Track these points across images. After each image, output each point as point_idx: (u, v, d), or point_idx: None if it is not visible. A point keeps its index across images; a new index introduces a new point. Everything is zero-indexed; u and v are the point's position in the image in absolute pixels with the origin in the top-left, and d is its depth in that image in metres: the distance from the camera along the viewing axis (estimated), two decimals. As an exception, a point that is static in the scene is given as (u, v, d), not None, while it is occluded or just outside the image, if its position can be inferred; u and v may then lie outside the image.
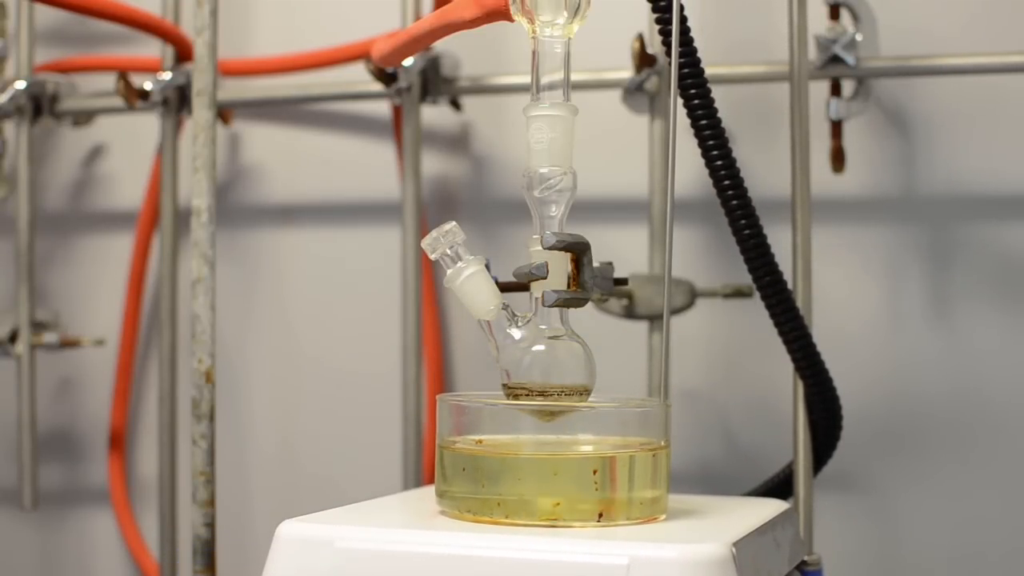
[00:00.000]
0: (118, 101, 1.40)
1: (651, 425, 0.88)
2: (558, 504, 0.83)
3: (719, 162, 0.95)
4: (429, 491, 0.96)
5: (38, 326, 1.44)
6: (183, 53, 1.39)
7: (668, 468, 0.88)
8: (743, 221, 0.97)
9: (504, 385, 0.89)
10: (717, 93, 0.96)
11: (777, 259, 1.00)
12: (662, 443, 0.87)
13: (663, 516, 0.87)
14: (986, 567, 1.24)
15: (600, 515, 0.83)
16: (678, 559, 0.75)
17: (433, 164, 1.38)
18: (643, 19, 1.22)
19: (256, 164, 1.46)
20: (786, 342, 1.02)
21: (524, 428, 0.87)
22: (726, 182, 0.96)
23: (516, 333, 0.89)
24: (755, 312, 1.04)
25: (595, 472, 0.83)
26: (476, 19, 0.95)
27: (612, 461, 0.84)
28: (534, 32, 0.90)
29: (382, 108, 1.41)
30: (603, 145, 1.31)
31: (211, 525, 1.15)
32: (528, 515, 0.83)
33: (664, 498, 0.87)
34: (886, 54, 1.20)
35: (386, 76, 1.28)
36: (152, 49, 1.43)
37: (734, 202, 0.96)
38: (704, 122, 0.94)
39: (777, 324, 1.01)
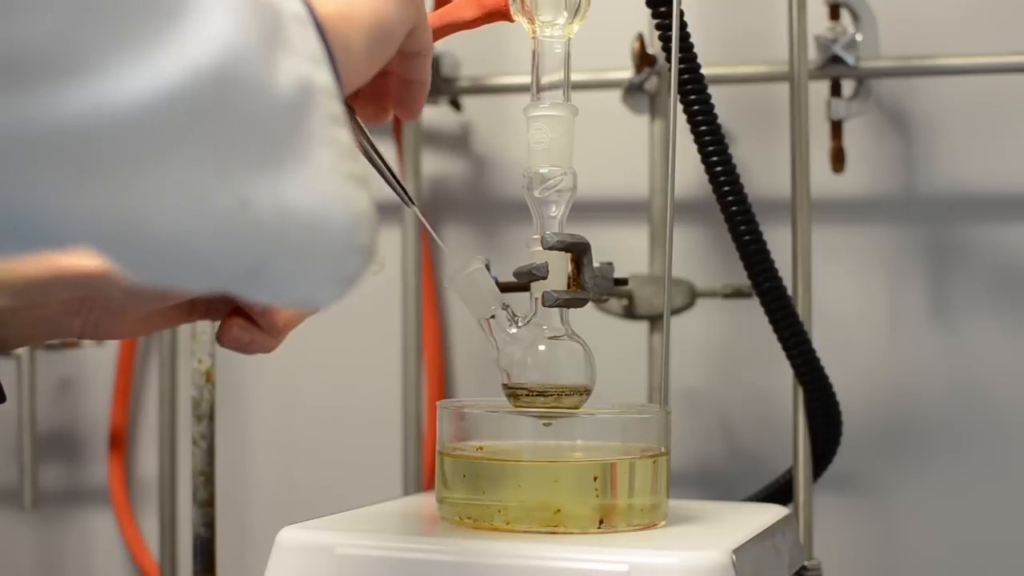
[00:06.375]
0: (117, 101, 1.39)
1: (651, 432, 0.87)
2: (559, 511, 0.83)
3: (719, 168, 0.95)
4: (429, 497, 0.96)
5: (38, 326, 1.44)
6: (182, 53, 1.38)
7: (668, 474, 0.88)
8: (743, 227, 0.97)
9: (504, 385, 0.89)
10: (717, 93, 0.96)
11: (777, 259, 1.00)
12: (662, 449, 0.87)
13: (663, 522, 0.87)
14: (986, 569, 1.24)
15: (600, 521, 0.83)
16: (678, 566, 0.76)
17: (433, 164, 1.38)
18: (643, 19, 1.21)
19: (255, 163, 1.46)
20: (785, 348, 1.02)
21: (525, 434, 0.87)
22: (726, 188, 0.96)
23: (516, 333, 0.89)
24: (755, 312, 1.04)
25: (596, 479, 0.83)
26: (476, 19, 0.95)
27: (613, 468, 0.84)
28: (534, 32, 0.89)
29: (382, 108, 1.40)
30: (603, 145, 1.30)
31: (211, 525, 1.15)
32: (529, 521, 0.83)
33: (664, 504, 0.87)
34: (886, 52, 1.20)
35: (386, 76, 1.28)
36: (151, 48, 1.42)
37: (734, 208, 0.96)
38: (704, 128, 0.94)
39: (777, 331, 1.01)
